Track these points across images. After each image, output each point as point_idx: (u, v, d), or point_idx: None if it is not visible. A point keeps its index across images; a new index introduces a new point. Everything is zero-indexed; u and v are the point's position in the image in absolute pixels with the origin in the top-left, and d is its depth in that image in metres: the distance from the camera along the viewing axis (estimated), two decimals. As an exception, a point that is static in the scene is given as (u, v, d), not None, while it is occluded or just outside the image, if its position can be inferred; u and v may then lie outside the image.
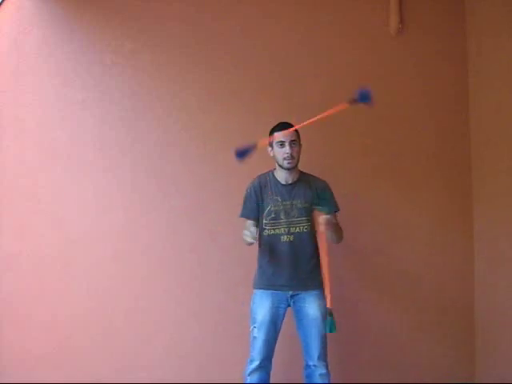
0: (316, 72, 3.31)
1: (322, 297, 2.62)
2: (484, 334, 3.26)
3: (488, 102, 3.23)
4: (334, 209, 2.67)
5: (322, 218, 2.44)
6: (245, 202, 2.72)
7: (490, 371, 3.19)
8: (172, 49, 3.20)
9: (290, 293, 2.64)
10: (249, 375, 2.60)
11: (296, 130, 2.64)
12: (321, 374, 2.58)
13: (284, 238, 2.64)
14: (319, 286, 2.64)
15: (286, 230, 2.63)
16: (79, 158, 3.12)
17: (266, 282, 2.67)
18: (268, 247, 2.67)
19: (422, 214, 3.35)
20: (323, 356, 2.60)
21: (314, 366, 2.59)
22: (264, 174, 2.76)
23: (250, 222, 2.66)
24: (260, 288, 2.68)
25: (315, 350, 2.59)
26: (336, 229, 2.58)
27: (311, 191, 2.68)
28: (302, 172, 2.75)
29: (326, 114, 2.33)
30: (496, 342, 3.14)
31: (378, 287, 3.30)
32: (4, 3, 3.11)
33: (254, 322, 2.62)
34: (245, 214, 2.71)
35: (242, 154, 2.44)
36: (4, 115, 3.10)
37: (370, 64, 3.33)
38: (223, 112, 3.20)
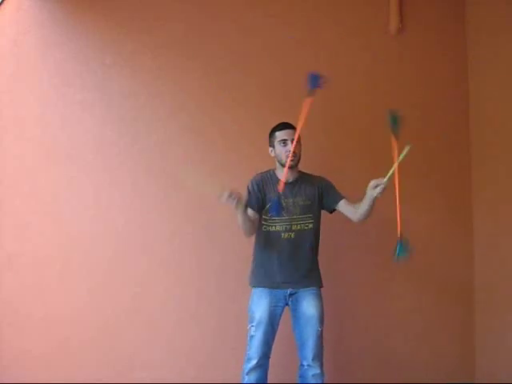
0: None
1: (320, 296, 2.67)
2: (484, 333, 3.26)
3: (488, 102, 3.23)
4: (341, 197, 2.71)
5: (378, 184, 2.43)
6: (248, 194, 2.68)
7: (490, 371, 3.19)
8: (172, 49, 3.20)
9: (289, 291, 2.64)
10: (247, 374, 2.60)
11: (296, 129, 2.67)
12: (314, 375, 2.58)
13: (285, 235, 2.64)
14: (317, 284, 2.69)
15: (288, 227, 2.64)
16: (79, 158, 3.12)
17: (264, 279, 2.66)
18: (267, 244, 2.67)
19: (421, 214, 3.34)
20: (318, 356, 2.60)
21: (308, 365, 2.59)
22: (265, 172, 2.77)
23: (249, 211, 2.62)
24: (259, 286, 2.68)
25: (310, 350, 2.59)
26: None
27: (313, 188, 2.71)
28: (301, 171, 2.77)
29: (304, 115, 2.44)
30: (496, 341, 3.14)
31: (377, 287, 3.30)
32: (4, 3, 3.10)
33: (252, 321, 2.62)
34: (249, 203, 2.65)
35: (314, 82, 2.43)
36: (4, 115, 3.10)
37: (370, 64, 3.33)
38: (223, 112, 3.20)
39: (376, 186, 2.43)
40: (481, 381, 3.25)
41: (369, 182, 3.29)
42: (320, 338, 2.61)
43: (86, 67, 3.13)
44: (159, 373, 3.08)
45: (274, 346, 2.66)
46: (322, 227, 2.76)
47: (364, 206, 2.55)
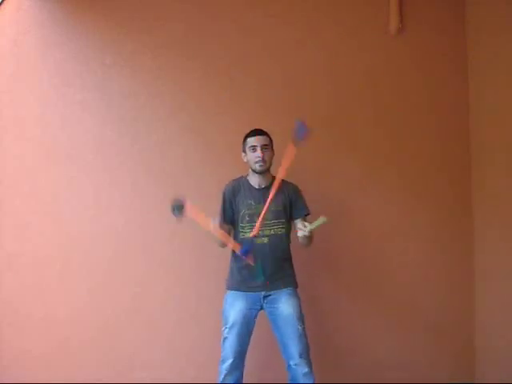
0: (316, 72, 3.31)
1: (296, 295, 2.69)
2: (484, 334, 3.26)
3: (488, 102, 3.23)
4: (305, 212, 2.75)
5: (304, 226, 2.53)
6: (222, 207, 2.76)
7: (489, 371, 3.19)
8: (172, 49, 3.20)
9: (263, 293, 2.66)
10: (223, 377, 2.58)
11: (268, 136, 2.75)
12: (304, 373, 2.56)
13: (258, 241, 2.67)
14: (292, 284, 2.72)
15: (261, 232, 2.66)
16: (79, 158, 3.12)
17: (240, 283, 2.69)
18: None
19: (421, 214, 3.35)
20: (305, 354, 2.58)
21: (296, 364, 2.57)
22: (237, 178, 2.82)
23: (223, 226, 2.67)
24: (233, 289, 2.71)
25: (294, 348, 2.57)
26: (311, 237, 2.62)
27: (283, 195, 2.73)
28: (274, 177, 2.75)
29: (286, 162, 2.49)
30: (496, 342, 3.14)
31: (378, 287, 3.30)
32: (4, 3, 3.10)
33: (226, 324, 2.64)
34: (223, 219, 2.72)
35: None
36: (4, 115, 3.10)
37: (370, 64, 3.33)
38: (223, 112, 3.20)
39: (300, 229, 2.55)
40: (481, 381, 3.25)
41: (369, 181, 3.31)
42: (302, 336, 2.60)
43: (86, 67, 3.13)
44: (159, 373, 3.08)
45: (255, 348, 2.68)
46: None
47: (300, 239, 2.63)
